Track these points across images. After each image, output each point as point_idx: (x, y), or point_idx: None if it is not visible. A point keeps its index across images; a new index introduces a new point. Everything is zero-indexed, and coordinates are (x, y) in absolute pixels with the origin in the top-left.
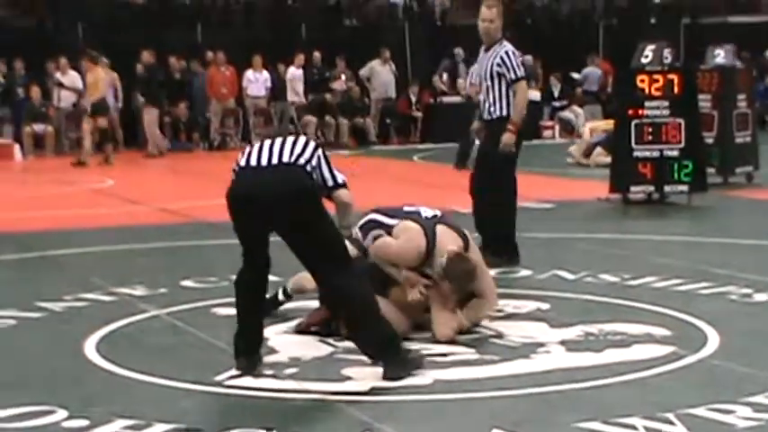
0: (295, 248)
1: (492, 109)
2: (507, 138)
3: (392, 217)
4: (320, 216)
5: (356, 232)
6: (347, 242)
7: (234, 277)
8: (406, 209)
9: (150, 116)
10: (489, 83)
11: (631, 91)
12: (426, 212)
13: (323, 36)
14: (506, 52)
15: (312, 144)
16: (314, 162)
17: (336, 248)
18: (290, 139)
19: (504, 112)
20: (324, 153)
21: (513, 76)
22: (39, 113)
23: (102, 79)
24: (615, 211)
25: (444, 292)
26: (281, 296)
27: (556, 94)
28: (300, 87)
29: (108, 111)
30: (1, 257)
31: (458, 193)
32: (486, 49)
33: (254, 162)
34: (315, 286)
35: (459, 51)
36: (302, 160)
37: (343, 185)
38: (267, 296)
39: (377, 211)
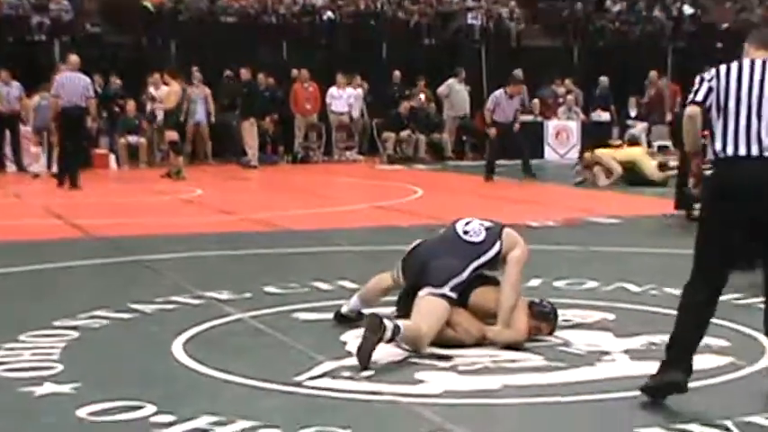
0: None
1: None
2: None
3: (485, 247)
4: None
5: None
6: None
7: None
8: (473, 231)
9: (248, 128)
10: None
11: None
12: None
13: (403, 55)
14: None
15: None
16: None
17: None
18: None
19: None
20: None
21: None
22: (132, 126)
23: (174, 92)
24: (680, 227)
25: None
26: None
27: (633, 114)
28: (357, 105)
29: (178, 124)
30: (97, 261)
31: (530, 207)
32: None
33: (743, 151)
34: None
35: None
36: None
37: None
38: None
39: (470, 262)
